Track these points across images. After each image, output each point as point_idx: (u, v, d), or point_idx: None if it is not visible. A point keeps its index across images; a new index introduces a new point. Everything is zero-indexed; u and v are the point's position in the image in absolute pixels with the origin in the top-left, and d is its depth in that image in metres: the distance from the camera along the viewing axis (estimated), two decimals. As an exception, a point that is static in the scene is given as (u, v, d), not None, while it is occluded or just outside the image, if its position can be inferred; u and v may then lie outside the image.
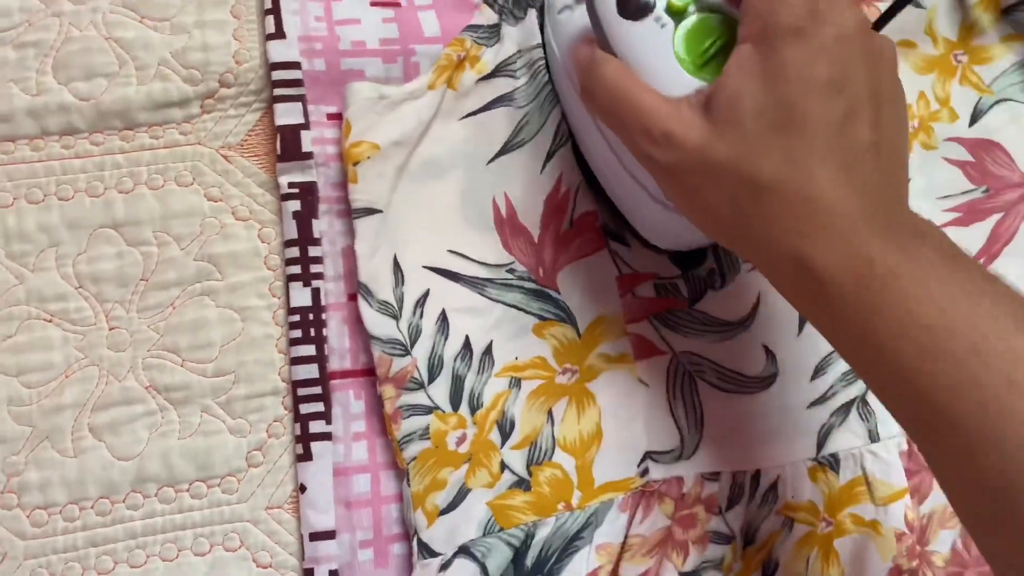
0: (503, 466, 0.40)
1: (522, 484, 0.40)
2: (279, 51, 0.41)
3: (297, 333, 0.40)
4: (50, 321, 0.40)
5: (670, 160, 0.32)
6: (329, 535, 0.39)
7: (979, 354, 0.27)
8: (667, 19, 0.34)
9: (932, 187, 0.43)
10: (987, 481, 0.27)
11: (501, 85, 0.42)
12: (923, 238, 0.30)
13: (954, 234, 0.42)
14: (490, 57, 0.42)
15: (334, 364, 0.40)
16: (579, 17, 0.38)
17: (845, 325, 0.30)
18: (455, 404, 0.40)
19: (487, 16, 0.42)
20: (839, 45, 0.31)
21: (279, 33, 0.41)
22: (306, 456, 0.39)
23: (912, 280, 0.29)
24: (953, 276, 0.29)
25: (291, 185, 0.41)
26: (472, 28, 0.42)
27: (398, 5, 0.43)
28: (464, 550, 0.38)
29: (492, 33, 0.42)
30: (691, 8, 0.34)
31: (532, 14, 0.42)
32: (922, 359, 0.28)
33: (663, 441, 0.40)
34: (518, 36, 0.42)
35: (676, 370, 0.41)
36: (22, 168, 0.40)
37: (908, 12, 0.44)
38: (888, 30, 0.43)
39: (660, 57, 0.34)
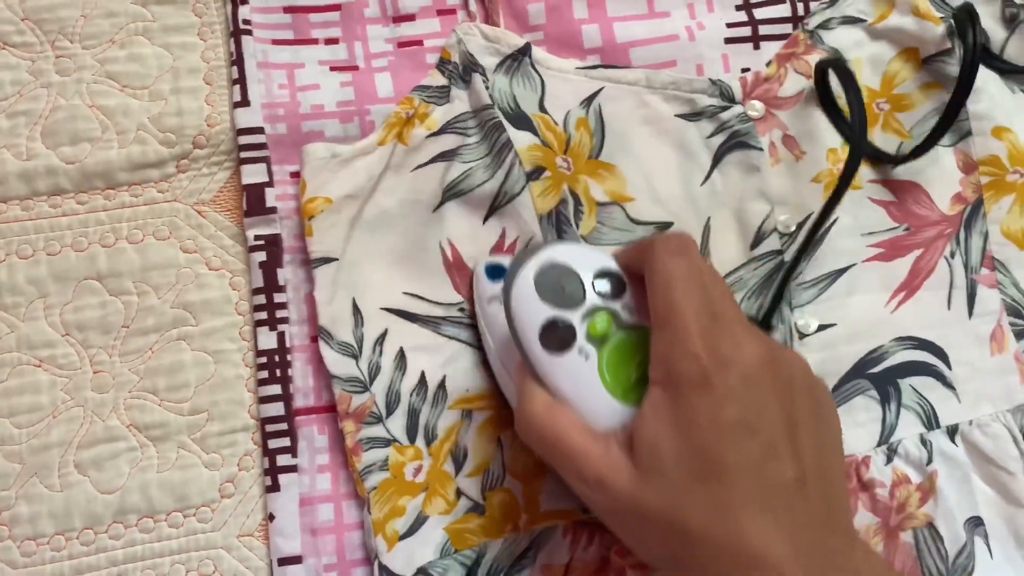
0: (459, 493, 0.43)
1: (477, 509, 0.42)
2: (245, 118, 0.45)
3: (264, 374, 0.43)
4: (39, 366, 0.43)
5: (606, 504, 0.32)
6: (296, 560, 0.42)
7: None
8: (590, 348, 0.35)
9: (858, 224, 0.46)
10: None
11: (449, 141, 0.45)
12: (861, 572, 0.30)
13: (878, 268, 0.46)
14: (439, 115, 0.45)
15: (299, 402, 0.44)
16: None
17: None
18: (411, 436, 0.43)
19: (436, 79, 0.46)
20: (745, 386, 0.31)
21: (244, 101, 0.45)
22: (274, 487, 0.42)
23: None
24: None
25: (257, 237, 0.44)
26: (421, 88, 0.46)
27: (356, 69, 0.47)
28: (422, 571, 0.41)
29: (441, 94, 0.46)
30: (612, 329, 0.35)
31: (476, 78, 0.45)
32: None
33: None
34: (468, 98, 0.46)
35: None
36: (14, 227, 0.44)
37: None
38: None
39: (587, 387, 0.34)
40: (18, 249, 0.44)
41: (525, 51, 0.46)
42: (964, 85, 0.44)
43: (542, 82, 0.46)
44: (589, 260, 0.37)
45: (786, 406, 0.31)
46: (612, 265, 0.37)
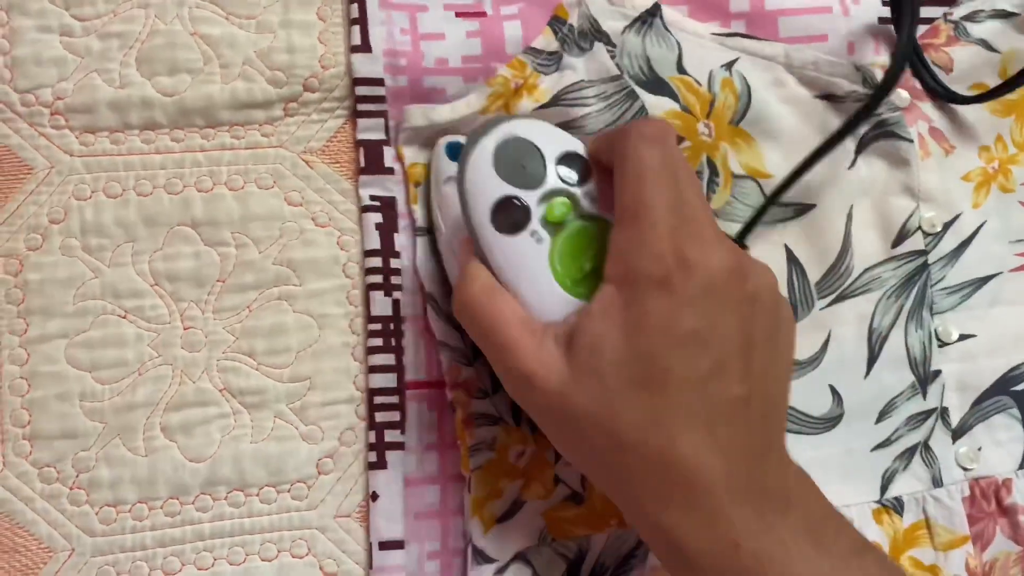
0: (556, 480, 0.40)
1: (576, 498, 0.40)
2: (364, 66, 0.41)
3: (377, 342, 0.40)
4: (124, 317, 0.39)
5: (531, 401, 0.31)
6: (398, 545, 0.39)
7: None
8: (543, 233, 0.33)
9: (1007, 230, 0.44)
10: None
11: (564, 112, 0.41)
12: (789, 507, 0.29)
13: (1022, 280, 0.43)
14: (548, 86, 0.41)
15: (409, 375, 0.40)
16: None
17: None
18: (517, 418, 0.40)
19: (548, 42, 0.42)
20: (707, 296, 0.29)
21: (364, 46, 0.41)
22: (380, 464, 0.39)
23: (778, 564, 0.28)
24: (819, 553, 0.28)
25: (373, 198, 0.40)
26: (533, 52, 0.42)
27: (483, 15, 0.43)
28: (520, 557, 0.39)
29: (551, 61, 0.42)
30: (570, 216, 0.33)
31: (599, 47, 0.42)
32: None
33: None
34: (584, 67, 0.41)
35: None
36: (102, 161, 0.40)
37: (977, 56, 0.45)
38: (960, 73, 0.44)
39: (534, 274, 0.32)
40: (106, 186, 0.40)
41: (654, 12, 0.42)
42: None
43: (678, 43, 0.42)
44: (555, 140, 0.34)
45: (745, 323, 0.30)
46: (579, 149, 0.35)
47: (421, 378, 0.41)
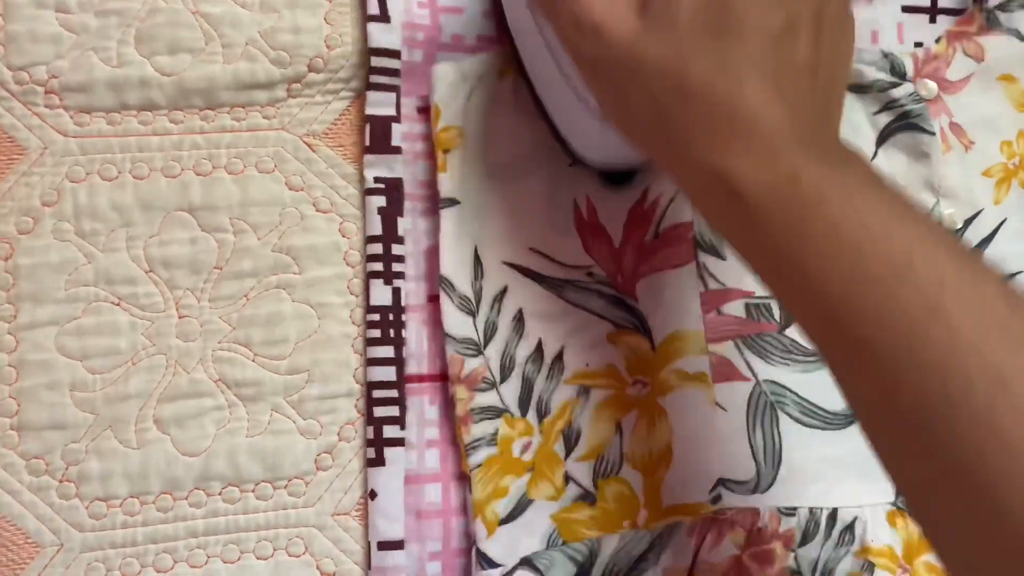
0: (567, 478, 0.39)
1: (587, 497, 0.39)
2: (381, 36, 0.39)
3: (376, 333, 0.38)
4: (118, 305, 0.38)
5: (597, 54, 0.30)
6: (398, 545, 0.38)
7: (904, 280, 0.26)
8: None
9: (1030, 228, 0.42)
10: (905, 412, 0.26)
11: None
12: (849, 162, 0.29)
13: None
14: None
15: (411, 368, 0.39)
16: None
17: (769, 248, 0.28)
18: (523, 408, 0.39)
19: None
20: None
21: (383, 16, 0.39)
22: (378, 461, 0.38)
23: (839, 199, 0.27)
24: (880, 198, 0.28)
25: (377, 180, 0.39)
26: None
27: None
28: (527, 562, 0.37)
29: None
30: None
31: None
32: (847, 284, 0.26)
33: (738, 470, 0.39)
34: None
35: (758, 399, 0.40)
36: (98, 143, 0.38)
37: (1009, 46, 0.43)
38: (991, 63, 0.43)
39: None
40: (101, 168, 0.38)
41: None
42: None
43: None
44: None
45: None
46: None
47: (423, 371, 0.39)
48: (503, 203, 0.40)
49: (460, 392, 0.38)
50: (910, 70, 0.42)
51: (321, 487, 0.38)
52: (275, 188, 0.39)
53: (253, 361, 0.38)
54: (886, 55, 0.42)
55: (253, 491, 0.38)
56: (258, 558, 0.37)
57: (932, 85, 0.42)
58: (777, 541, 0.39)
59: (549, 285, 0.40)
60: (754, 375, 0.40)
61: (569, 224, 0.40)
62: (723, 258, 0.41)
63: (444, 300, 0.39)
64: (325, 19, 0.40)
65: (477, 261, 0.39)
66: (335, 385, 0.39)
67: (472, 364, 0.38)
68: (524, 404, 0.39)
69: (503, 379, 0.39)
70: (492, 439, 0.38)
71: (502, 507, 0.38)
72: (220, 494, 0.38)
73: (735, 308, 0.41)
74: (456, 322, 0.39)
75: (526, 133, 0.40)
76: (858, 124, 0.42)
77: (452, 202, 0.39)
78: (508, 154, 0.40)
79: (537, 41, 0.36)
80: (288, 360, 0.38)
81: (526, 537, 0.38)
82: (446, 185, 0.39)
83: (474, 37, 0.41)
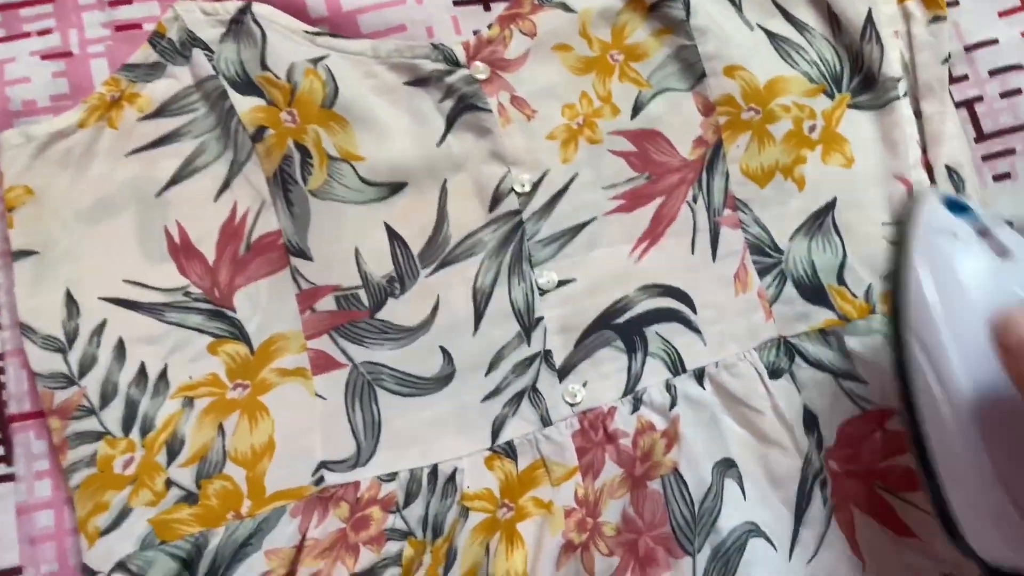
0: (168, 483, 0.41)
1: (190, 498, 0.41)
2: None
3: (-25, 379, 0.41)
4: None
5: None
6: (16, 571, 0.40)
7: None
8: None
9: (599, 178, 0.45)
10: None
11: (170, 121, 0.44)
12: None
13: (620, 220, 0.45)
14: (154, 95, 0.44)
15: (14, 408, 0.42)
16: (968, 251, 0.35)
17: None
18: (127, 428, 0.41)
19: (147, 55, 0.44)
20: None
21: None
22: (-13, 499, 0.40)
23: None
24: None
25: (-40, 241, 0.42)
26: (129, 68, 0.44)
27: (70, 55, 0.45)
28: (120, 566, 0.39)
29: (153, 72, 0.44)
30: None
31: (197, 52, 0.44)
32: None
33: (338, 450, 0.42)
34: (188, 74, 0.44)
35: (355, 382, 0.42)
36: None
37: (559, 18, 0.47)
38: (545, 36, 0.46)
39: None
40: None
41: (245, 10, 0.45)
42: None
43: (263, 35, 0.44)
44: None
45: None
46: None
47: (26, 409, 0.42)
48: (94, 243, 0.43)
49: (53, 423, 0.41)
50: (462, 57, 0.46)
51: (-63, 530, 0.40)
52: None
53: None
54: (436, 47, 0.45)
55: None
56: None
57: (483, 66, 0.46)
58: (375, 506, 0.41)
59: (147, 311, 0.42)
60: (350, 360, 0.43)
61: (163, 251, 0.43)
62: (310, 259, 0.43)
63: (27, 343, 0.41)
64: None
65: (71, 302, 0.42)
66: (-60, 432, 0.41)
67: (62, 396, 0.41)
68: (128, 424, 0.41)
69: (104, 405, 0.41)
70: (91, 460, 0.40)
71: (103, 520, 0.40)
72: None
73: (327, 303, 0.43)
74: (42, 360, 0.41)
75: (107, 175, 0.43)
76: (426, 113, 0.45)
77: (27, 254, 0.42)
78: (92, 198, 0.43)
79: (964, 426, 0.33)
80: None
81: (121, 542, 0.40)
82: (17, 240, 0.42)
83: (47, 97, 0.44)
